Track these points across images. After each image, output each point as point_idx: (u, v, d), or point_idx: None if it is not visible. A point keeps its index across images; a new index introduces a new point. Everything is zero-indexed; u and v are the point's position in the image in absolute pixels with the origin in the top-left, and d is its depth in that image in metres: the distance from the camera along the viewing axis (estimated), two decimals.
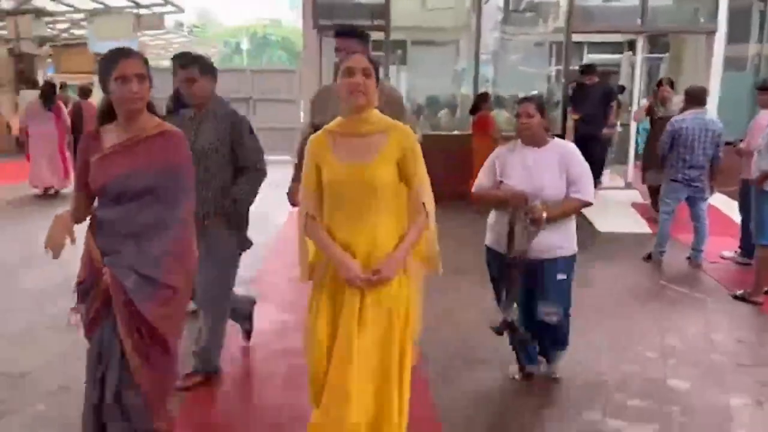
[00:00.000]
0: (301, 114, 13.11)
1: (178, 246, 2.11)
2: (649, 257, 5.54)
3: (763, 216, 4.38)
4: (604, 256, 5.70)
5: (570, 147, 3.00)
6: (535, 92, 3.19)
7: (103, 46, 12.69)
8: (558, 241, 2.90)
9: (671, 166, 5.27)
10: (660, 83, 7.48)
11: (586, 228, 6.76)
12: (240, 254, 3.14)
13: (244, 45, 41.24)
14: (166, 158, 2.09)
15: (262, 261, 5.37)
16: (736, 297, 4.54)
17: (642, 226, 6.79)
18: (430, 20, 9.86)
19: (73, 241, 2.06)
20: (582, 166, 2.92)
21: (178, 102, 3.56)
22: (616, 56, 12.70)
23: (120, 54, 2.02)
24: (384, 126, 2.10)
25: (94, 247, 2.08)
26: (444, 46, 10.43)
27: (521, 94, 3.30)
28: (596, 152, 7.78)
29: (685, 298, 4.67)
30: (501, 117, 8.57)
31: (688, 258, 5.45)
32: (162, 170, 2.07)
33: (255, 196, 3.08)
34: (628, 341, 3.81)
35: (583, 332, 3.76)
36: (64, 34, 14.71)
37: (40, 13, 13.27)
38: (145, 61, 2.16)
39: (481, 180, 3.06)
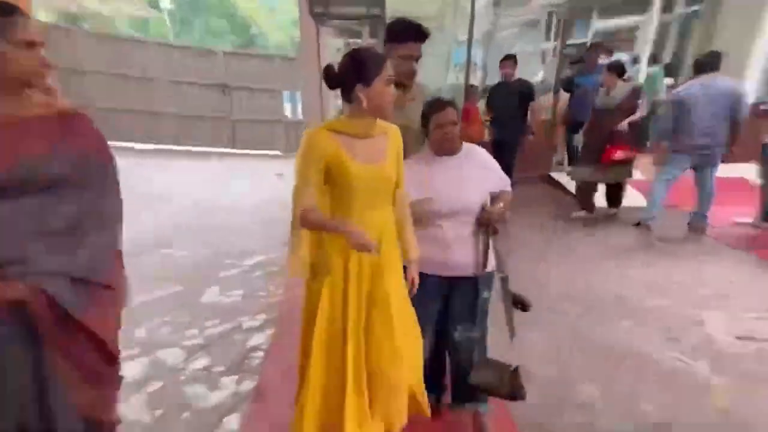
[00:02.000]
0: (286, 105, 12.29)
1: (113, 242, 1.87)
2: (638, 224, 5.85)
3: None
4: (603, 225, 6.20)
5: (480, 150, 2.63)
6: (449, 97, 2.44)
7: None
8: (476, 257, 2.54)
9: (673, 138, 5.25)
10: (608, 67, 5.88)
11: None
12: None
13: (165, 4, 23.26)
14: (75, 144, 1.76)
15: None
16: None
17: (639, 201, 7.05)
18: (420, 6, 9.95)
19: None
20: (495, 163, 2.63)
21: None
22: (635, 18, 10.36)
23: (12, 9, 1.68)
24: (383, 127, 2.21)
25: None
26: (434, 30, 10.50)
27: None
28: (506, 159, 6.14)
29: (672, 249, 5.33)
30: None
31: (689, 223, 5.61)
32: (75, 158, 1.75)
33: None
34: (617, 274, 4.79)
35: (585, 267, 4.98)
36: None
37: None
38: None
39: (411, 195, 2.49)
